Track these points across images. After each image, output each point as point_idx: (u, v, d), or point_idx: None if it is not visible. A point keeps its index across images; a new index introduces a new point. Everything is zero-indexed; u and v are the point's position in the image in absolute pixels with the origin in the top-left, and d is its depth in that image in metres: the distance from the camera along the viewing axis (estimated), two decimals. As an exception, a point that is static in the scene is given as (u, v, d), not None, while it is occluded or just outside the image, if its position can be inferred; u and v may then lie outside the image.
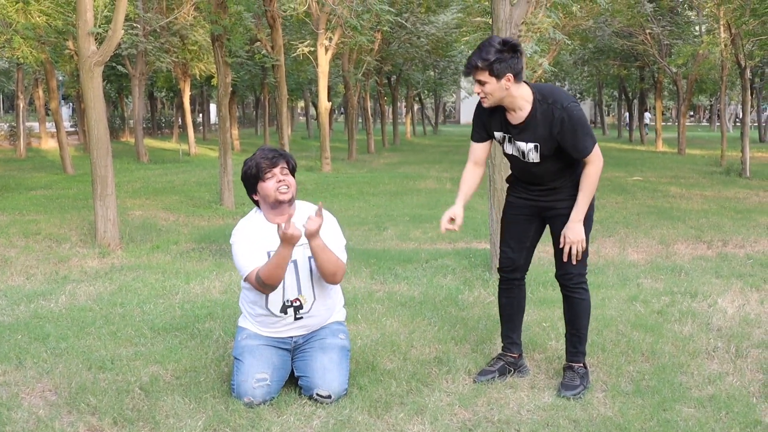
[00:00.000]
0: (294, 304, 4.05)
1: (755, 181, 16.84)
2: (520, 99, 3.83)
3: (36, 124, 32.49)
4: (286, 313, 4.05)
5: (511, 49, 3.73)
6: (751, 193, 14.52)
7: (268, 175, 3.96)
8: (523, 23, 6.58)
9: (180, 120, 38.74)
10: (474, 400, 3.91)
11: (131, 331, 5.16)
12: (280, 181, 3.95)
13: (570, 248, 3.97)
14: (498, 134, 4.04)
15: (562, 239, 3.98)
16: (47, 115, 29.93)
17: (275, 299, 4.03)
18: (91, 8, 8.51)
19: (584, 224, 4.00)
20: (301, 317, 4.08)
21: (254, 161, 4.01)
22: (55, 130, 22.57)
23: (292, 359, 4.14)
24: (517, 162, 4.07)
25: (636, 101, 40.84)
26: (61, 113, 21.73)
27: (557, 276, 4.15)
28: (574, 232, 3.95)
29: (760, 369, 4.36)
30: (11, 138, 30.41)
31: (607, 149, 30.70)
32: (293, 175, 4.07)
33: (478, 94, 3.83)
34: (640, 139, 37.34)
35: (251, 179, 4.02)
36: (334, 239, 4.09)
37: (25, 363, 4.53)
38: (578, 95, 50.34)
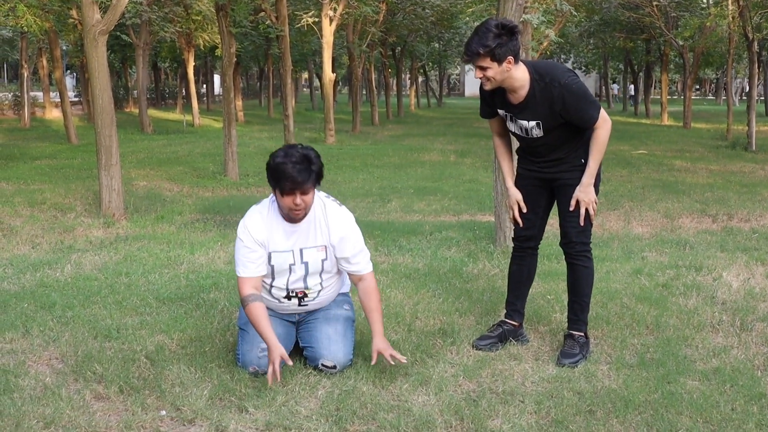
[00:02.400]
0: (299, 295, 4.00)
1: (761, 155, 16.78)
2: (519, 79, 3.88)
3: (40, 94, 32.40)
4: (289, 300, 4.02)
5: (509, 31, 3.76)
6: (756, 167, 14.47)
7: (288, 193, 3.69)
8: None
9: (184, 91, 38.57)
10: (478, 371, 3.92)
11: (137, 301, 5.18)
12: (297, 204, 3.71)
13: (586, 210, 4.04)
14: (501, 112, 4.12)
15: (573, 202, 4.04)
16: (51, 84, 29.81)
17: (278, 290, 3.97)
18: (95, -24, 8.45)
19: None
20: (306, 304, 4.05)
21: (280, 174, 3.66)
22: (59, 100, 22.52)
23: (297, 330, 4.14)
24: (521, 138, 4.16)
25: (642, 74, 40.57)
26: (65, 83, 21.65)
27: (561, 244, 4.22)
28: (586, 193, 4.02)
29: (764, 342, 4.37)
30: (15, 107, 30.34)
31: (613, 123, 30.58)
32: (318, 183, 3.77)
33: (480, 78, 3.87)
34: (646, 113, 37.16)
35: (271, 181, 3.74)
36: (355, 249, 3.95)
37: (32, 331, 4.55)
38: (583, 68, 49.99)
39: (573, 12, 9.54)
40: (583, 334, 4.19)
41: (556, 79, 3.84)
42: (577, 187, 4.03)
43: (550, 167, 4.14)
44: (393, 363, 3.81)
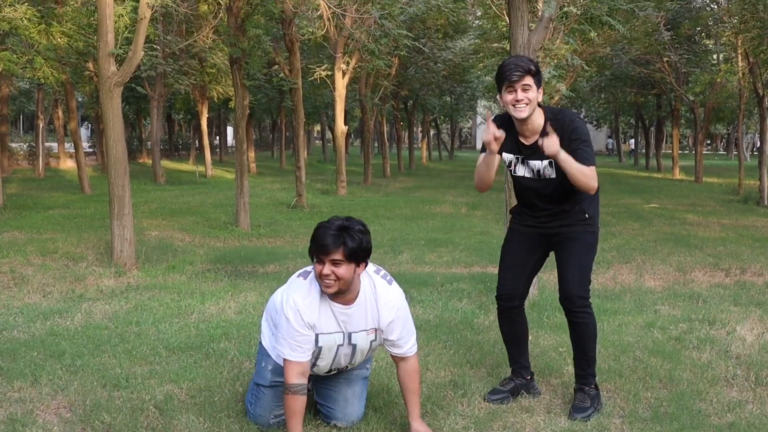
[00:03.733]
0: (341, 370, 3.89)
1: (773, 210, 16.74)
2: (538, 118, 3.93)
3: (55, 144, 32.76)
4: (329, 373, 3.88)
5: (539, 68, 3.93)
6: (769, 221, 14.43)
7: (318, 260, 3.51)
8: (541, 48, 6.60)
9: (197, 142, 38.96)
10: (490, 423, 3.88)
11: (146, 350, 5.16)
12: (325, 274, 3.49)
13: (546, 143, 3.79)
14: (508, 156, 4.08)
15: (541, 140, 3.85)
16: (66, 135, 30.17)
17: (323, 367, 3.80)
18: (112, 30, 8.60)
19: (588, 249, 4.09)
20: (344, 375, 3.95)
21: (314, 240, 3.52)
22: (73, 151, 22.75)
23: (313, 382, 3.99)
24: (528, 183, 4.09)
25: (653, 129, 40.73)
26: (80, 134, 21.91)
27: (561, 300, 4.12)
28: (550, 141, 3.77)
29: (779, 397, 4.31)
30: (30, 158, 30.66)
31: (624, 176, 30.69)
32: (356, 259, 3.52)
33: (517, 102, 3.84)
34: (657, 167, 37.22)
35: (310, 250, 3.58)
36: (403, 332, 3.79)
37: (41, 380, 4.54)
38: (594, 122, 50.28)
39: (584, 67, 9.60)
40: (593, 386, 4.14)
41: (568, 116, 3.97)
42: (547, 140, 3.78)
43: (551, 221, 4.11)
44: None
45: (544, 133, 3.86)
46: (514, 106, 3.86)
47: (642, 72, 27.84)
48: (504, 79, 3.85)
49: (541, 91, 3.89)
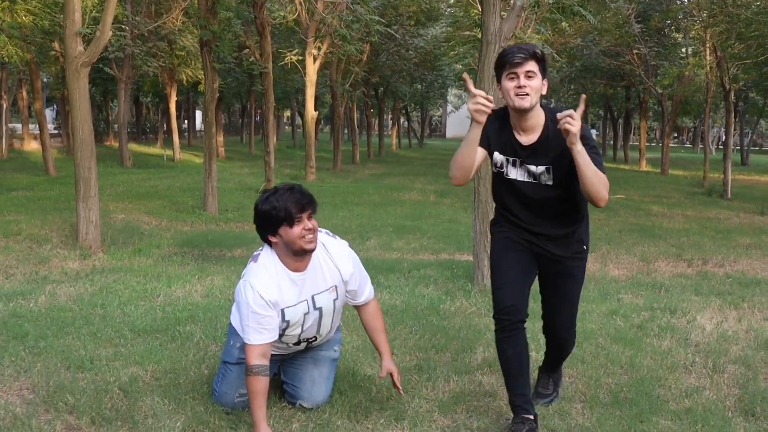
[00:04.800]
0: (310, 341, 3.92)
1: (736, 203, 17.00)
2: (538, 116, 3.47)
3: (19, 125, 32.28)
4: (298, 345, 3.90)
5: (544, 54, 3.51)
6: (731, 214, 14.65)
7: (297, 220, 3.55)
8: (512, 37, 6.64)
9: (165, 125, 38.61)
10: (453, 407, 3.92)
11: (111, 332, 5.14)
12: (308, 229, 3.56)
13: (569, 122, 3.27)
14: (499, 157, 3.58)
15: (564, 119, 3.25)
16: (30, 116, 29.77)
17: (291, 338, 3.82)
18: (80, 8, 8.51)
19: (581, 284, 3.79)
20: (312, 347, 3.97)
21: (282, 204, 3.54)
22: (38, 132, 22.45)
23: (280, 363, 4.04)
24: (523, 188, 3.58)
25: (621, 120, 41.07)
26: (45, 115, 21.62)
27: (547, 333, 3.83)
28: (573, 121, 3.24)
29: (736, 384, 4.40)
30: (-6, 138, 30.19)
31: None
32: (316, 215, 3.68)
33: (522, 88, 3.34)
34: (624, 159, 37.55)
35: (275, 222, 3.57)
36: (361, 280, 3.89)
37: (3, 361, 4.51)
38: (564, 113, 50.53)
39: (556, 56, 9.67)
40: (557, 372, 4.08)
41: None
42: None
43: (547, 244, 3.66)
44: (399, 386, 3.87)
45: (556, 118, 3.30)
46: (516, 94, 3.37)
47: (612, 64, 28.02)
48: (505, 63, 3.38)
49: (545, 83, 3.43)
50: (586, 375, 4.45)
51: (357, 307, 3.99)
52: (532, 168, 3.53)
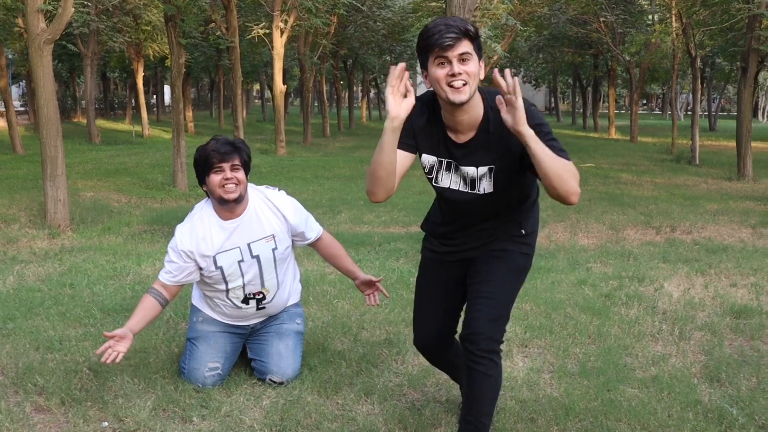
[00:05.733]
0: (257, 297, 3.97)
1: (704, 169, 17.18)
2: (476, 106, 2.78)
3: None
4: (248, 303, 3.97)
5: (477, 32, 2.75)
6: (699, 180, 14.82)
7: (216, 169, 3.69)
8: (476, 9, 6.62)
9: (133, 101, 38.20)
10: (423, 380, 3.95)
11: (80, 312, 5.12)
12: (227, 178, 3.69)
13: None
14: (430, 159, 2.93)
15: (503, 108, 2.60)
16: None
17: (237, 294, 3.92)
18: (41, -15, 8.35)
19: (515, 275, 3.04)
20: (264, 307, 4.02)
21: (205, 152, 3.72)
22: (3, 110, 22.12)
23: (246, 341, 4.12)
24: (456, 198, 2.97)
25: (590, 89, 41.24)
26: (11, 92, 21.30)
27: (462, 337, 2.95)
28: (522, 114, 2.58)
29: (702, 351, 4.47)
30: (-42, 117, 29.72)
31: (561, 136, 30.92)
32: (246, 170, 3.79)
33: (456, 76, 2.65)
34: (594, 127, 37.75)
35: (199, 169, 3.76)
36: (306, 220, 4.03)
37: (-29, 344, 4.48)
38: (533, 82, 50.67)
39: (520, 27, 9.66)
40: None
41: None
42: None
43: (478, 240, 3.05)
44: (383, 290, 4.07)
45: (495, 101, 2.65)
46: (450, 85, 2.67)
47: (579, 32, 28.12)
48: (432, 45, 2.65)
49: (482, 63, 2.74)
50: (554, 345, 4.49)
51: (314, 246, 4.14)
52: (470, 171, 2.87)
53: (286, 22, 19.43)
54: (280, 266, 3.97)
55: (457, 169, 2.90)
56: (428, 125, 2.88)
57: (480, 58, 2.73)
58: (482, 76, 2.74)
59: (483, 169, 2.85)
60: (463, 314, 3.10)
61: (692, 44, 18.83)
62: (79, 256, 7.10)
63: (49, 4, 8.68)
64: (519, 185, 2.94)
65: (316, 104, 48.22)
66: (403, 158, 2.85)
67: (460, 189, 2.93)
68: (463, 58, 2.65)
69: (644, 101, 79.00)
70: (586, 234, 8.60)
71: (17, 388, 3.83)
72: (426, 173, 2.98)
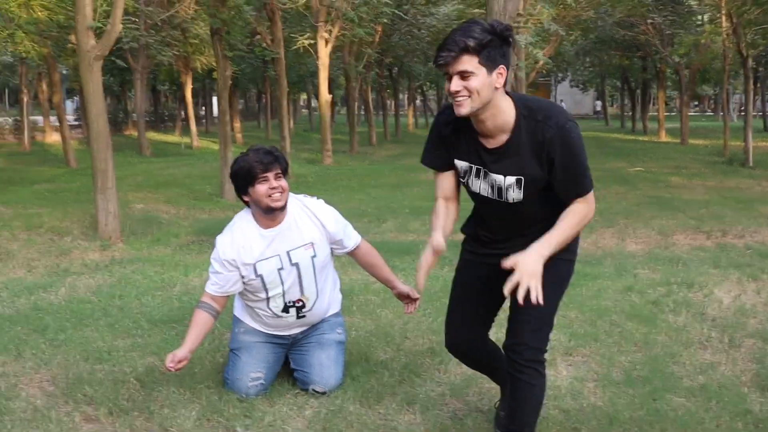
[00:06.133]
0: (297, 305, 4.00)
1: (758, 171, 16.85)
2: (504, 112, 2.78)
3: (41, 118, 32.52)
4: (288, 312, 4.00)
5: (501, 35, 2.69)
6: (753, 182, 14.53)
7: (261, 179, 3.75)
8: (518, 15, 6.59)
9: (183, 113, 38.74)
10: (466, 390, 3.95)
11: (129, 323, 5.21)
12: (273, 187, 3.74)
13: (520, 285, 2.66)
14: (462, 164, 2.97)
15: (509, 262, 2.70)
16: (51, 108, 29.95)
17: (277, 302, 3.96)
18: (90, 3, 8.55)
19: (557, 284, 2.98)
20: (304, 315, 4.05)
21: (246, 163, 3.77)
22: (58, 124, 22.62)
23: (288, 351, 4.16)
24: (486, 204, 3.00)
25: (639, 91, 40.75)
26: (66, 107, 21.79)
27: (506, 347, 3.00)
28: (531, 263, 2.68)
29: (752, 359, 4.39)
30: (16, 132, 30.44)
31: (609, 140, 30.71)
32: (286, 174, 3.87)
33: (454, 94, 2.70)
34: (643, 130, 37.27)
35: (242, 181, 3.80)
36: (345, 229, 4.09)
37: (24, 354, 4.58)
38: (581, 86, 50.25)
39: (562, 32, 9.60)
40: None
41: (554, 118, 2.75)
42: (523, 252, 2.72)
43: (518, 248, 2.82)
44: (416, 298, 4.13)
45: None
46: (453, 99, 2.73)
47: (626, 35, 27.80)
48: (436, 63, 2.70)
49: (498, 74, 2.69)
50: (599, 353, 4.45)
51: (352, 255, 4.19)
52: (498, 179, 2.86)
53: (330, 32, 19.55)
54: (319, 274, 4.00)
55: (486, 176, 2.90)
56: (460, 132, 2.90)
57: (495, 66, 2.69)
58: (499, 85, 2.71)
59: (511, 179, 2.84)
60: (505, 322, 3.09)
61: (743, 44, 18.50)
62: (128, 267, 7.22)
63: (99, 21, 8.87)
64: (550, 199, 2.90)
65: (362, 113, 48.44)
66: (449, 176, 3.03)
67: (489, 196, 2.94)
68: (463, 75, 2.67)
69: (696, 103, 77.76)
70: (635, 239, 8.51)
71: (67, 398, 3.91)
72: (460, 177, 3.01)
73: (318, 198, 4.11)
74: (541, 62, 19.68)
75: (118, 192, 9.11)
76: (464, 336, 3.26)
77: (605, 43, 31.13)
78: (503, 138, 2.81)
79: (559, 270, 2.97)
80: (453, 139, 2.93)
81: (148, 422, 3.62)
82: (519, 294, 2.64)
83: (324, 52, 19.60)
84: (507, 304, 3.06)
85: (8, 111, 45.68)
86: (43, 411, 3.73)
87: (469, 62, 2.64)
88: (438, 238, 2.93)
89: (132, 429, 3.55)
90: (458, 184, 3.06)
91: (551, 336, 3.08)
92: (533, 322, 2.92)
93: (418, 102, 55.68)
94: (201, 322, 3.87)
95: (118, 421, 3.64)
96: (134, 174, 17.14)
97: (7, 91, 64.25)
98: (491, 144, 2.85)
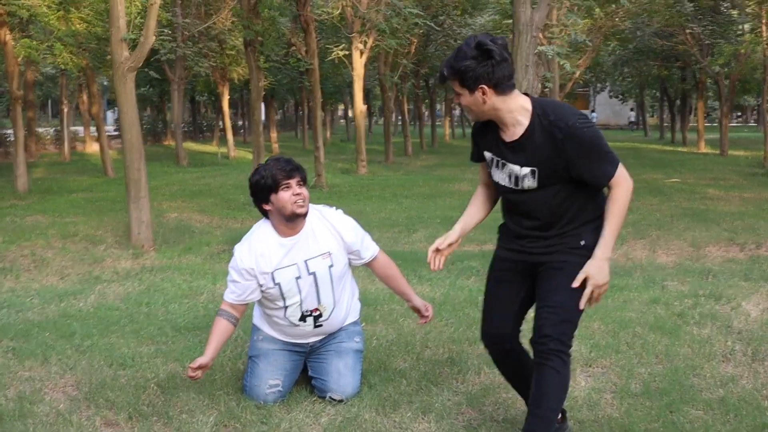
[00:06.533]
0: (314, 314, 4.05)
1: (797, 183, 16.57)
2: (510, 113, 3.13)
3: (81, 129, 33.10)
4: (305, 321, 4.05)
5: (485, 54, 3.01)
6: (791, 195, 14.30)
7: (284, 186, 3.84)
8: (546, 25, 6.60)
9: (221, 123, 39.18)
10: (482, 399, 3.95)
11: (154, 330, 5.28)
12: (297, 194, 3.84)
13: (591, 292, 3.10)
14: (488, 155, 3.30)
15: (581, 276, 3.09)
16: (92, 119, 30.50)
17: (293, 311, 4.01)
18: (124, 15, 8.72)
19: (571, 276, 3.15)
20: (321, 324, 4.09)
21: (268, 172, 3.85)
22: (96, 134, 23.01)
23: (306, 359, 4.20)
24: (508, 195, 3.29)
25: (678, 102, 40.31)
26: (106, 117, 22.15)
27: (532, 341, 3.20)
28: (602, 272, 3.09)
29: (775, 372, 4.33)
30: (57, 142, 31.02)
31: (647, 151, 30.43)
32: (306, 183, 3.96)
33: (458, 105, 3.22)
34: (683, 141, 36.86)
35: (264, 190, 3.87)
36: (363, 239, 4.14)
37: (51, 359, 4.67)
38: (620, 97, 49.85)
39: (589, 44, 9.57)
40: None
41: (562, 119, 3.06)
42: (590, 261, 3.10)
43: (539, 246, 3.24)
44: (428, 315, 4.21)
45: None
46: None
47: (665, 45, 27.55)
48: None
49: (480, 92, 3.05)
50: (619, 365, 4.42)
51: (369, 266, 4.24)
52: (515, 169, 3.18)
53: (365, 43, 19.66)
54: (336, 284, 4.05)
55: (504, 166, 3.22)
56: (486, 128, 3.27)
57: (473, 88, 3.06)
58: (484, 101, 3.08)
59: (526, 170, 3.15)
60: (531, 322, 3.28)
61: (783, 54, 18.27)
62: (158, 275, 7.32)
63: (133, 33, 9.02)
64: (567, 188, 3.16)
65: (399, 123, 48.53)
66: (485, 166, 3.39)
67: (507, 185, 3.24)
68: (457, 94, 3.14)
69: (738, 113, 76.72)
70: (666, 251, 8.42)
71: (89, 403, 3.99)
72: (488, 166, 3.34)
73: (337, 208, 4.16)
74: (577, 73, 19.60)
75: (153, 201, 9.26)
76: (497, 326, 3.42)
77: (643, 53, 30.87)
78: (518, 132, 3.14)
79: (577, 273, 3.15)
80: (481, 134, 3.31)
81: (166, 427, 3.68)
82: (583, 300, 3.10)
83: (359, 63, 19.72)
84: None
85: (50, 121, 46.54)
86: (65, 415, 3.80)
87: (454, 84, 3.12)
88: (452, 235, 3.48)
89: (150, 434, 3.61)
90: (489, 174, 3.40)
91: (574, 345, 3.23)
92: (555, 318, 3.14)
93: (456, 112, 55.63)
94: (221, 330, 3.94)
95: (137, 425, 3.70)
96: (170, 183, 17.36)
97: (50, 102, 65.43)
98: (509, 137, 3.17)
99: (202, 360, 3.77)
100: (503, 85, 3.06)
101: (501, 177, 3.25)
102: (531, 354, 3.27)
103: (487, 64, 3.01)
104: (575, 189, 3.16)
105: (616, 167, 3.11)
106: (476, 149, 3.39)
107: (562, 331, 3.14)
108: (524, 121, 3.12)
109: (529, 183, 3.16)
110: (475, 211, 3.52)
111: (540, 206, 3.20)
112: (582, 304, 3.10)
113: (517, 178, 3.18)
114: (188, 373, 3.76)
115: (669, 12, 23.81)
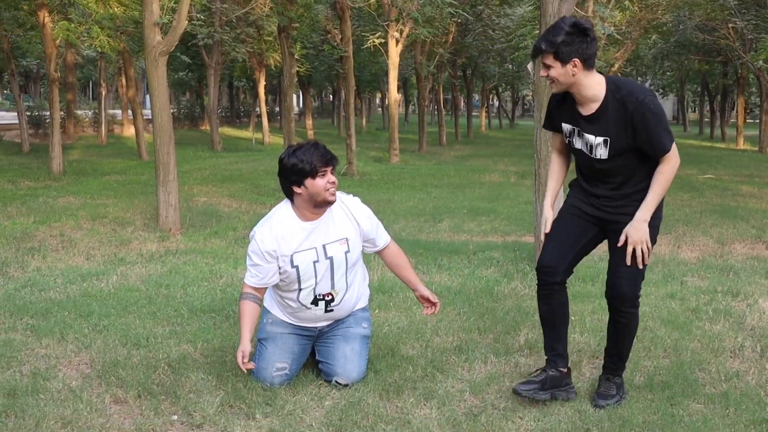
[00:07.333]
0: (326, 298, 4.11)
1: (834, 181, 16.29)
2: (590, 88, 3.56)
3: (119, 112, 33.51)
4: (317, 305, 4.11)
5: (581, 32, 3.45)
6: (826, 193, 14.07)
7: (321, 173, 3.88)
8: (584, 17, 6.54)
9: (258, 109, 39.42)
10: (485, 387, 3.98)
11: (170, 311, 5.38)
12: (332, 182, 3.91)
13: (633, 250, 3.59)
14: (566, 126, 3.75)
15: (623, 237, 3.60)
16: (129, 102, 30.87)
17: (307, 294, 4.07)
18: (157, 0, 8.80)
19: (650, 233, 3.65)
20: (332, 309, 4.15)
21: (308, 157, 3.87)
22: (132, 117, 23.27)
23: (314, 343, 4.27)
24: (584, 159, 3.74)
25: (719, 97, 39.74)
26: (142, 100, 22.40)
27: (608, 296, 3.78)
28: (639, 231, 3.58)
29: (783, 369, 4.31)
30: (95, 125, 31.43)
31: (685, 146, 30.03)
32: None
33: (545, 77, 3.58)
34: (722, 137, 36.35)
35: (301, 174, 3.87)
36: (377, 228, 4.22)
37: (67, 338, 4.79)
38: (660, 91, 49.24)
39: (616, 36, 9.49)
40: (620, 376, 3.89)
41: (634, 94, 3.50)
42: (630, 223, 3.60)
43: (610, 206, 3.72)
44: (435, 303, 4.29)
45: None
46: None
47: (706, 39, 27.15)
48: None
49: (572, 65, 3.47)
50: (626, 358, 4.42)
51: (380, 254, 4.35)
52: (590, 138, 3.64)
53: (401, 32, 19.64)
54: (350, 270, 4.12)
55: (581, 135, 3.68)
56: (565, 105, 3.71)
57: (566, 61, 3.48)
58: (574, 74, 3.49)
59: (599, 139, 3.60)
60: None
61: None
62: (181, 258, 7.43)
63: (166, 17, 9.14)
64: (634, 158, 3.61)
65: (435, 113, 48.49)
66: (559, 136, 3.89)
67: (584, 150, 3.70)
68: (545, 66, 3.55)
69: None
70: (690, 247, 8.36)
71: (101, 381, 4.09)
72: (566, 137, 3.79)
73: (354, 196, 4.23)
74: (615, 65, 19.38)
75: (184, 185, 9.38)
76: (554, 257, 3.78)
77: (685, 47, 30.47)
78: (594, 107, 3.59)
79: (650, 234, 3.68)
80: (560, 107, 3.75)
81: (174, 406, 3.77)
82: (627, 258, 3.61)
83: (394, 52, 19.71)
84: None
85: (90, 104, 47.13)
86: (77, 392, 3.91)
87: (547, 58, 3.52)
88: (549, 213, 3.90)
89: (157, 412, 3.69)
90: (564, 141, 3.86)
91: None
92: (628, 277, 3.69)
93: (495, 103, 55.38)
94: (249, 311, 4.02)
95: (145, 403, 3.79)
96: (202, 168, 17.54)
97: (90, 84, 66.29)
98: (585, 111, 3.63)
99: (244, 349, 3.88)
100: (590, 61, 3.53)
101: (580, 144, 3.71)
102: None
103: (583, 41, 3.47)
104: (641, 159, 3.60)
105: (671, 144, 3.55)
106: (551, 119, 3.86)
107: (635, 288, 3.73)
108: (600, 95, 3.56)
109: (601, 151, 3.61)
110: (556, 179, 3.99)
111: (610, 172, 3.66)
112: (628, 261, 3.61)
113: (591, 146, 3.64)
114: (243, 369, 3.87)
115: (711, 5, 23.44)
